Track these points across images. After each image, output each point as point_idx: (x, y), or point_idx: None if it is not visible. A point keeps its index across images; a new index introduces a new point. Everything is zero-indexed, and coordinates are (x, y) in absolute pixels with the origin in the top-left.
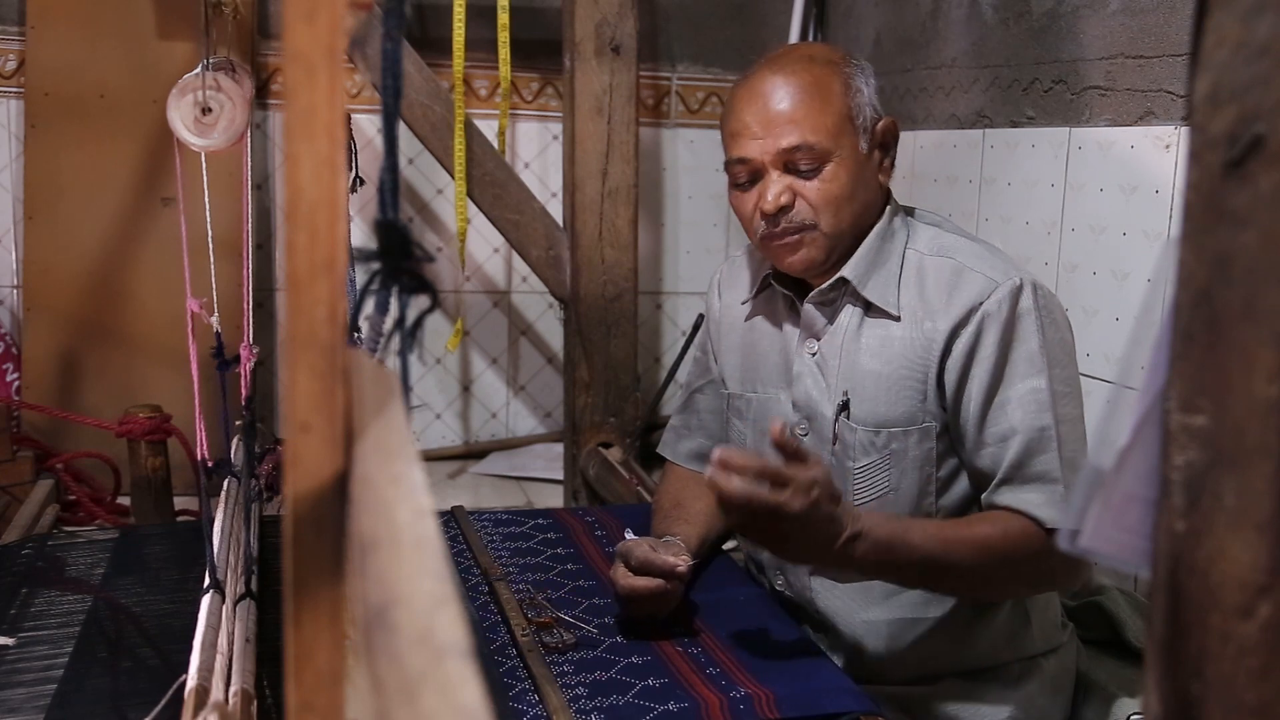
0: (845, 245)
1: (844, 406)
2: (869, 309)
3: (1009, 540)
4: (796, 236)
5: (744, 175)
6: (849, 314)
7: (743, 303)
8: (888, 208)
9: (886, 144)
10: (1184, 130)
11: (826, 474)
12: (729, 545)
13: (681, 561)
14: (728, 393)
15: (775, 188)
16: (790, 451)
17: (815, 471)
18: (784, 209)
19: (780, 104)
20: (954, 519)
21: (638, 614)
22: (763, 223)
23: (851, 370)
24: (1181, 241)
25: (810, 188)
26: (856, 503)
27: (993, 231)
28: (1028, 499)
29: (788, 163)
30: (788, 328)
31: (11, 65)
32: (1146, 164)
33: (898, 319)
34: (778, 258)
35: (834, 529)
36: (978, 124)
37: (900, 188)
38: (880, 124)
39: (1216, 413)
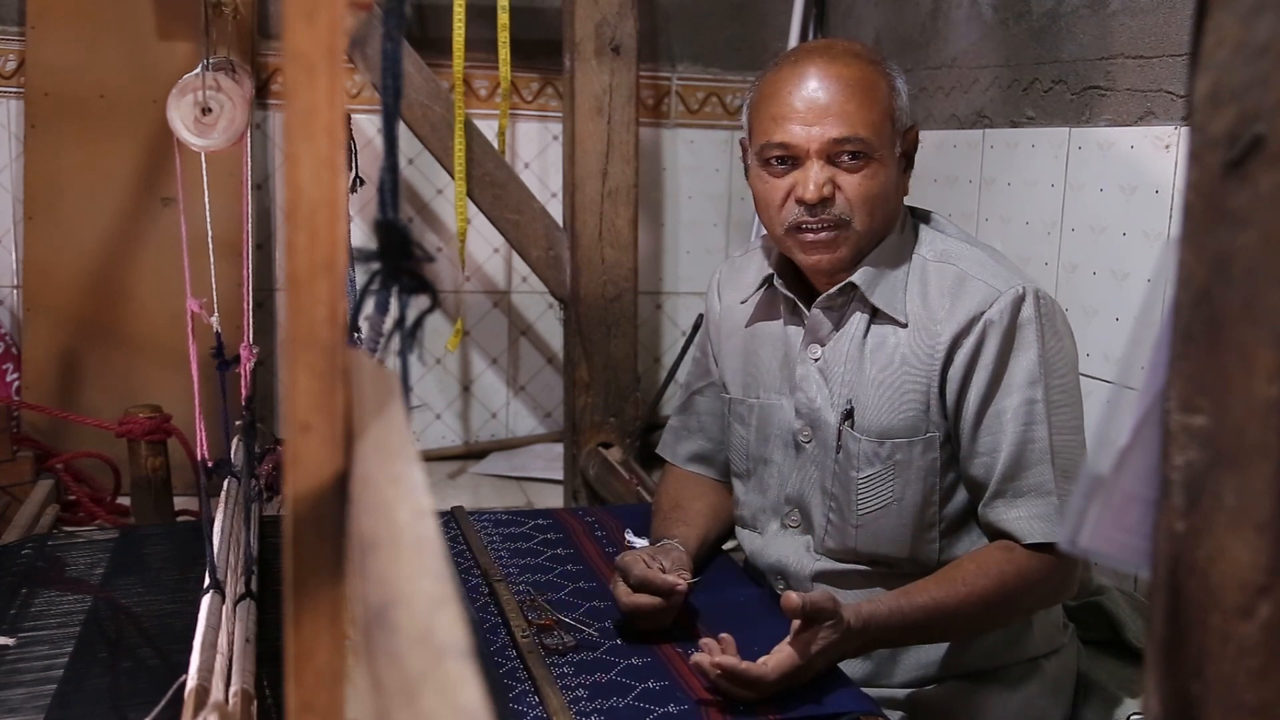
0: (869, 249)
1: (848, 415)
2: (875, 315)
3: (1007, 587)
4: (832, 234)
5: (783, 159)
6: (856, 320)
7: (742, 302)
8: (900, 217)
9: (910, 153)
10: (1184, 130)
11: (832, 607)
12: (729, 546)
13: (681, 580)
14: (729, 397)
15: (819, 177)
16: (807, 615)
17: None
18: (824, 200)
19: (832, 94)
20: (949, 580)
21: (641, 626)
22: (797, 209)
23: (856, 378)
24: (1181, 241)
25: (851, 182)
26: (860, 513)
27: (993, 232)
28: (1017, 515)
29: (832, 154)
30: (790, 332)
31: (11, 65)
32: (1146, 164)
33: (904, 325)
34: (805, 252)
35: (845, 649)
36: (978, 124)
37: None
38: (910, 131)
39: (1216, 413)
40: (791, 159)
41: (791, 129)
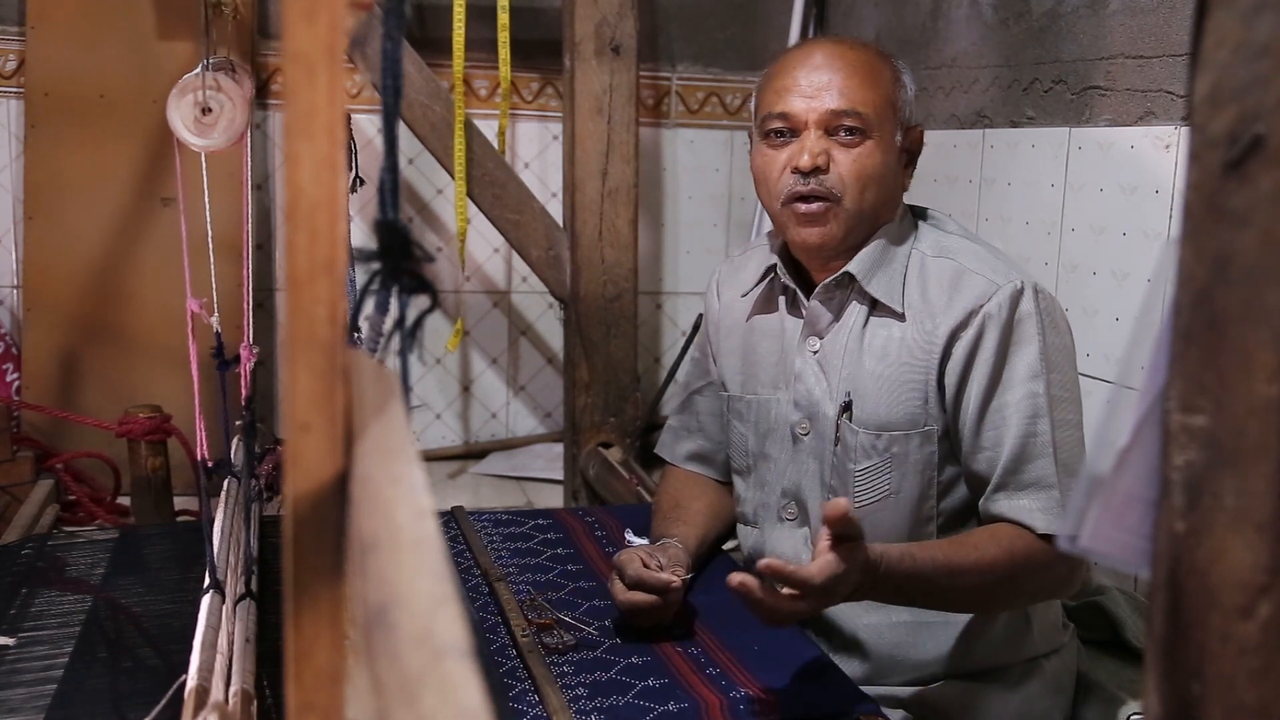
0: (861, 232)
1: (846, 408)
2: (874, 307)
3: (1014, 560)
4: (822, 206)
5: (781, 132)
6: (854, 311)
7: (743, 295)
8: (899, 212)
9: (913, 151)
10: (1184, 130)
11: (860, 529)
12: (729, 545)
13: (675, 577)
14: (728, 395)
15: (815, 146)
16: (840, 529)
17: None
18: (818, 169)
19: (834, 71)
20: (960, 541)
21: (639, 624)
22: (792, 178)
23: (854, 371)
24: (1181, 241)
25: (846, 157)
26: (858, 505)
27: (993, 232)
28: (1022, 506)
29: (830, 127)
30: (789, 323)
31: (11, 65)
32: (1146, 164)
33: (903, 318)
34: (797, 225)
35: (860, 580)
36: (978, 124)
37: None
38: (914, 129)
39: (1216, 413)
40: (790, 130)
41: (792, 100)
